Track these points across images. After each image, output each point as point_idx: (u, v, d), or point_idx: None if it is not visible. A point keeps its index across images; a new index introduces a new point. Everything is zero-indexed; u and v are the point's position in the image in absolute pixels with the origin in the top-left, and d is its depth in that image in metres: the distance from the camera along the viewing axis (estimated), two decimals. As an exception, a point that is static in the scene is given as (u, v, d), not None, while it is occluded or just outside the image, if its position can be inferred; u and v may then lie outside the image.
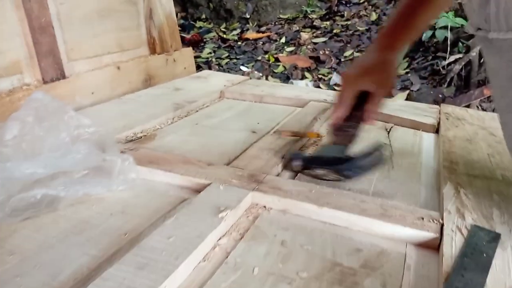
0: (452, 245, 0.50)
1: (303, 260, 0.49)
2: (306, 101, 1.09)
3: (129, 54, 1.19)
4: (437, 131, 0.97)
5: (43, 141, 0.55)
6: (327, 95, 1.17)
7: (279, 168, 0.72)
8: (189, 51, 1.44)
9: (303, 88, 1.81)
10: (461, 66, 2.40)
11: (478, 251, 0.49)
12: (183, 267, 0.44)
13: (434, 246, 0.53)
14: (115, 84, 1.11)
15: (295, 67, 3.19)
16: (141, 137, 0.83)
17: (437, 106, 1.12)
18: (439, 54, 2.69)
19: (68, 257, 0.46)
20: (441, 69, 2.54)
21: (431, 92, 2.51)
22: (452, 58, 2.47)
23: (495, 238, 0.52)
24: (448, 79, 2.43)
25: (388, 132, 0.94)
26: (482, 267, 0.46)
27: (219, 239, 0.52)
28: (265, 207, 0.60)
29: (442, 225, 0.54)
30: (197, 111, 1.03)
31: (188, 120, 0.95)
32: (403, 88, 2.71)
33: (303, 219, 0.57)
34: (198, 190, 0.63)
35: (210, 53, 3.47)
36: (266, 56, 3.39)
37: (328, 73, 3.17)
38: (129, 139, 0.81)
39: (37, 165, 0.50)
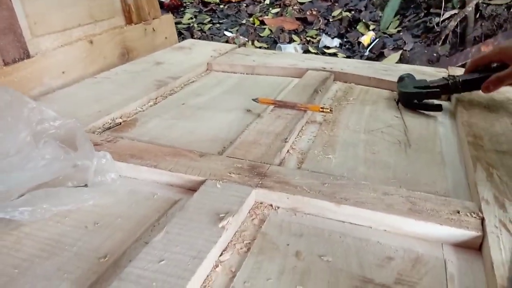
0: (500, 246, 0.41)
1: (325, 278, 0.40)
2: (303, 71, 0.99)
3: (102, 26, 1.05)
4: (448, 98, 0.88)
5: (-3, 143, 0.44)
6: (325, 62, 1.07)
7: (282, 154, 0.62)
8: (169, 19, 1.30)
9: (297, 55, 1.70)
10: (456, 23, 2.29)
11: None
12: (180, 301, 0.35)
13: (475, 246, 0.45)
14: (88, 61, 0.98)
15: (282, 30, 3.04)
16: (120, 123, 0.72)
17: (444, 70, 1.03)
18: (432, 10, 2.56)
19: (33, 296, 0.37)
20: (435, 26, 2.43)
21: (425, 51, 2.41)
22: (446, 14, 2.35)
23: None
24: (442, 37, 2.32)
25: (398, 103, 0.84)
26: None
27: (220, 255, 0.43)
28: (271, 206, 0.51)
29: (483, 220, 0.46)
30: (182, 87, 0.91)
31: (173, 100, 0.84)
32: (396, 48, 2.60)
33: (317, 220, 0.49)
34: (191, 189, 0.53)
35: (191, 18, 3.28)
36: (251, 19, 3.23)
37: (317, 35, 3.03)
38: (107, 127, 0.70)
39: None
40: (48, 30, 0.91)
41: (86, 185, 0.51)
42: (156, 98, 0.84)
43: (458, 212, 0.47)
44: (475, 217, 0.46)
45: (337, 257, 0.43)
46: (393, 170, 0.59)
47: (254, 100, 0.78)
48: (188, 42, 1.25)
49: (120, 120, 0.73)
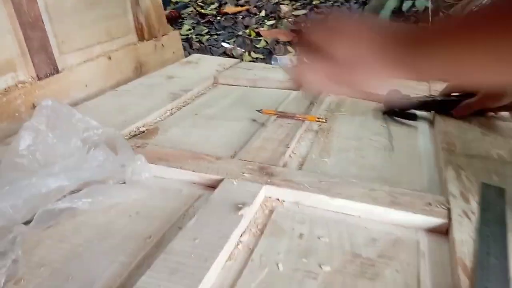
0: (461, 230, 0.53)
1: (324, 253, 0.51)
2: (300, 84, 1.10)
3: (118, 43, 1.16)
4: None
5: (55, 149, 0.54)
6: (320, 76, 1.18)
7: (285, 158, 0.73)
8: (176, 35, 1.41)
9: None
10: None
11: (492, 204, 0.56)
12: (213, 268, 0.46)
13: (443, 231, 0.56)
14: (107, 74, 1.09)
15: (277, 41, 3.16)
16: (144, 131, 0.83)
17: (425, 83, 1.14)
18: (420, 24, 2.70)
19: (97, 267, 0.47)
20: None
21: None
22: (433, 28, 2.49)
23: (501, 192, 0.60)
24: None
25: (384, 113, 0.96)
26: (501, 219, 0.54)
27: (241, 236, 0.53)
28: (278, 199, 0.62)
29: (449, 210, 0.57)
30: (193, 99, 1.02)
31: (187, 111, 0.95)
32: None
33: (316, 210, 0.59)
34: (211, 186, 0.64)
35: (190, 29, 3.40)
36: (247, 31, 3.35)
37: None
38: (133, 134, 0.81)
39: (61, 179, 0.50)
40: (73, 47, 1.02)
41: (124, 183, 0.61)
42: (171, 109, 0.95)
43: (430, 204, 0.58)
44: (443, 208, 0.57)
45: (333, 238, 0.54)
46: (378, 171, 0.71)
47: (258, 111, 0.90)
48: (194, 57, 1.36)
49: (144, 129, 0.83)
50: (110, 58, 1.10)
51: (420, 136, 0.85)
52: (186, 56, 1.39)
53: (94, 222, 0.55)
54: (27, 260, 0.48)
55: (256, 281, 0.46)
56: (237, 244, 0.52)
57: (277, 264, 0.49)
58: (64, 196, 0.52)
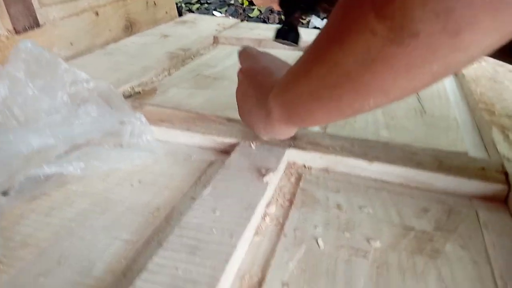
0: (525, 197, 0.45)
1: (369, 226, 0.42)
2: (306, 43, 1.00)
3: (106, -2, 1.04)
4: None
5: (38, 103, 0.44)
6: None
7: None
8: (169, -7, 1.29)
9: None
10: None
11: None
12: (241, 245, 0.37)
13: (500, 199, 0.48)
14: (94, 32, 0.97)
15: (271, 11, 3.02)
16: (140, 91, 0.72)
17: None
18: None
19: (96, 245, 0.38)
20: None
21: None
22: None
23: None
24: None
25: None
26: None
27: (267, 206, 0.44)
28: (304, 166, 0.53)
29: (507, 174, 0.49)
30: (192, 59, 0.91)
31: (186, 71, 0.84)
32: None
33: (351, 178, 0.51)
34: (224, 151, 0.55)
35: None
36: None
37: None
38: (127, 95, 0.71)
39: (46, 135, 0.40)
40: (54, 0, 0.89)
41: (121, 146, 0.51)
42: (169, 69, 0.84)
43: (483, 169, 0.50)
44: (499, 173, 0.49)
45: (376, 208, 0.45)
46: (413, 134, 0.62)
47: None
48: (190, 16, 1.25)
49: (139, 89, 0.73)
50: (97, 14, 0.98)
51: (451, 98, 0.76)
52: (180, 18, 1.27)
53: (89, 192, 0.45)
54: (6, 239, 0.38)
55: (293, 260, 0.37)
56: (264, 216, 0.43)
57: (316, 240, 0.40)
58: (51, 160, 0.42)
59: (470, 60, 0.27)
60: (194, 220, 0.39)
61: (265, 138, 0.53)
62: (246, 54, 0.54)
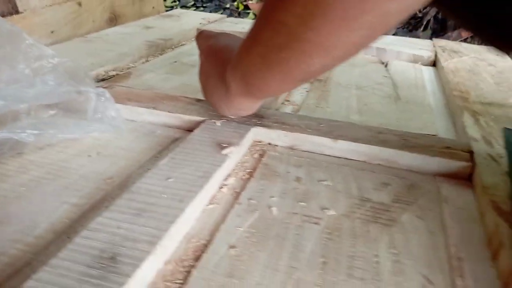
0: (490, 173, 0.44)
1: (326, 197, 0.41)
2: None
3: (90, -11, 1.04)
4: (434, 64, 0.91)
5: (-4, 71, 0.44)
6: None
7: (277, 103, 0.64)
8: (157, -11, 1.29)
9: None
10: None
11: None
12: (190, 210, 0.36)
13: (464, 176, 0.47)
14: (77, 22, 0.97)
15: (266, 15, 3.04)
16: (114, 75, 0.72)
17: (429, 40, 1.06)
18: None
19: (42, 208, 0.37)
20: (417, 12, 2.47)
21: (407, 37, 2.45)
22: (428, 0, 2.40)
23: None
24: (424, 22, 2.37)
25: (385, 66, 0.87)
26: None
27: (225, 179, 0.44)
28: (270, 144, 0.52)
29: (472, 153, 0.48)
30: (173, 49, 0.91)
31: (165, 58, 0.84)
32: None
33: (315, 155, 0.50)
34: (190, 129, 0.54)
35: (175, 1, 3.25)
36: (235, 3, 3.21)
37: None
38: (101, 78, 0.70)
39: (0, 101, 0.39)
40: (37, -12, 0.89)
41: (86, 120, 0.51)
42: (147, 57, 0.84)
43: (449, 148, 0.49)
44: (464, 151, 0.49)
45: (336, 182, 0.44)
46: (384, 117, 0.61)
47: None
48: (177, 11, 1.25)
49: (114, 73, 0.72)
50: (80, 4, 0.98)
51: (428, 86, 0.76)
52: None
53: (46, 162, 0.44)
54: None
55: (244, 225, 0.37)
56: (221, 187, 0.42)
57: (270, 208, 0.39)
58: (3, 126, 0.41)
59: (405, 10, 0.27)
60: (145, 186, 0.38)
61: (230, 115, 0.52)
62: (205, 36, 0.54)
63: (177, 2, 3.22)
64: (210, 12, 3.11)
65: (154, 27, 1.03)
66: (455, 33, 2.12)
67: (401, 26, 2.53)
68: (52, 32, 0.91)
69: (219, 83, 0.46)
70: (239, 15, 3.06)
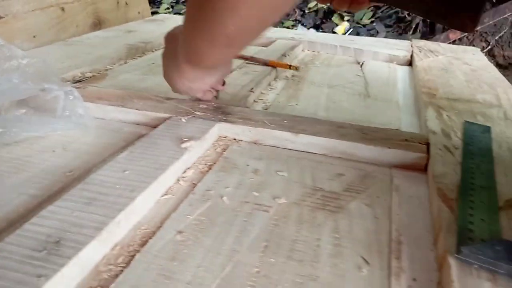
0: (442, 163, 0.45)
1: (280, 187, 0.43)
2: (272, 40, 1.02)
3: (74, -5, 1.06)
4: (410, 64, 0.93)
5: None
6: (295, 33, 1.10)
7: (249, 102, 0.65)
8: (143, -5, 1.31)
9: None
10: (425, 12, 2.37)
11: (476, 140, 0.51)
12: (141, 200, 0.37)
13: (420, 167, 0.48)
14: (60, 27, 0.99)
15: (258, 20, 3.06)
16: (91, 77, 0.73)
17: (408, 41, 1.07)
18: (403, 0, 2.64)
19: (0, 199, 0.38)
20: (406, 16, 2.50)
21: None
22: (417, 3, 2.43)
23: (487, 129, 0.54)
24: (413, 26, 2.40)
25: (361, 66, 0.88)
26: (487, 153, 0.48)
27: (184, 171, 0.45)
28: (235, 139, 0.54)
29: (428, 144, 0.49)
30: (153, 51, 0.93)
31: (143, 60, 0.86)
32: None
33: (277, 149, 0.51)
34: (157, 126, 0.55)
35: (168, 8, 3.28)
36: (228, 9, 3.24)
37: (293, 25, 3.08)
38: (77, 79, 0.72)
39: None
40: (19, -7, 0.91)
41: (54, 118, 0.52)
42: (126, 59, 0.85)
43: (407, 140, 0.51)
44: (421, 143, 0.50)
45: (293, 173, 0.46)
46: (350, 114, 0.63)
47: None
48: (162, 16, 1.27)
49: (90, 74, 0.74)
50: (63, 9, 1.00)
51: (399, 85, 0.78)
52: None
53: (10, 156, 0.46)
54: None
55: (194, 214, 0.38)
56: (179, 180, 0.44)
57: (222, 197, 0.40)
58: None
59: None
60: (100, 177, 0.40)
61: (183, 92, 0.55)
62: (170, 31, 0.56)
63: (171, 10, 3.25)
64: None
65: (136, 31, 1.05)
66: (443, 35, 2.15)
67: (392, 30, 2.55)
68: (34, 36, 0.93)
69: (173, 61, 0.51)
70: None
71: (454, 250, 0.31)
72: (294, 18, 3.13)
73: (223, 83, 0.62)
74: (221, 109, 0.58)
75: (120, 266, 0.31)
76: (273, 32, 1.09)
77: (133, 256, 0.32)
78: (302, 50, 1.01)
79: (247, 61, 0.81)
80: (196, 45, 0.43)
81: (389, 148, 0.49)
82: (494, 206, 0.38)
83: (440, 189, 0.40)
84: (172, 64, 0.52)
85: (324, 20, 3.04)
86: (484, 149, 0.49)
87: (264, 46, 1.00)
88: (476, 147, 0.49)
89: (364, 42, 1.04)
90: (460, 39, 2.12)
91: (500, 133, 0.54)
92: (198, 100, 0.60)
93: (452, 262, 0.31)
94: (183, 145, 0.46)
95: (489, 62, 0.92)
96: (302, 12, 3.17)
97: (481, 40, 2.11)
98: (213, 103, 0.59)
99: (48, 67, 0.54)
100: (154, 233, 0.35)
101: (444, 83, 0.73)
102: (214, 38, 0.39)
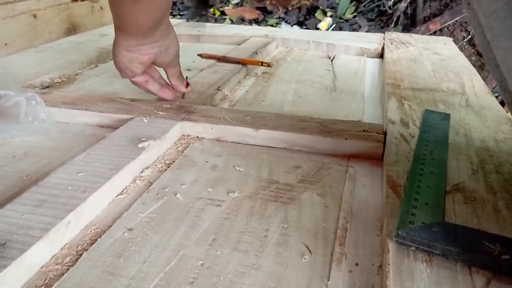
0: (396, 151, 0.46)
1: (236, 182, 0.43)
2: (246, 38, 1.02)
3: (46, 2, 1.05)
4: (381, 56, 0.94)
5: None
6: (269, 30, 1.11)
7: (215, 100, 0.66)
8: (118, -2, 1.31)
9: (243, 26, 1.73)
10: (406, 4, 2.38)
11: (434, 127, 0.52)
12: (94, 200, 0.38)
13: (377, 157, 0.49)
14: (32, 34, 0.99)
15: (242, 20, 3.07)
16: (59, 82, 0.74)
17: (381, 34, 1.08)
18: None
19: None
20: (387, 9, 2.52)
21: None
22: (397, -4, 2.44)
23: (446, 117, 0.55)
24: (394, 19, 2.41)
25: (332, 60, 0.89)
26: (442, 140, 0.49)
27: (142, 171, 0.46)
28: (197, 137, 0.54)
29: (385, 134, 0.50)
30: (126, 55, 0.93)
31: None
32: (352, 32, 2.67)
33: (239, 145, 0.52)
34: (119, 127, 0.56)
35: (152, 11, 3.27)
36: (211, 9, 3.24)
37: (277, 23, 3.08)
38: (45, 85, 0.72)
39: None
40: (-12, 2, 0.91)
41: (17, 124, 0.53)
42: (97, 63, 0.86)
43: (365, 131, 0.52)
44: (378, 133, 0.51)
45: (250, 167, 0.46)
46: (315, 107, 0.64)
47: (199, 55, 0.84)
48: (137, 19, 1.27)
49: (59, 80, 0.74)
50: (35, 16, 1.00)
51: (367, 78, 0.79)
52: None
53: (-33, 164, 0.46)
54: None
55: (146, 212, 0.38)
56: (135, 179, 0.44)
57: (176, 195, 0.41)
58: None
59: None
60: (54, 180, 0.40)
61: (125, 69, 0.57)
62: None
63: (154, 12, 3.24)
64: (187, 19, 3.14)
65: (109, 34, 1.05)
66: (424, 27, 2.16)
67: (374, 24, 2.57)
68: (6, 44, 0.93)
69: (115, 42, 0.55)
70: (216, 21, 3.09)
71: (394, 234, 0.32)
72: (277, 16, 3.13)
73: (187, 85, 0.62)
74: (184, 108, 0.58)
75: (67, 265, 0.32)
76: (247, 30, 1.10)
77: (81, 255, 0.33)
78: (276, 47, 1.02)
79: (219, 61, 0.82)
80: (112, 7, 0.49)
81: (346, 139, 0.49)
82: (440, 191, 0.39)
83: (390, 176, 0.41)
84: (114, 45, 0.55)
85: (307, 17, 3.05)
86: (440, 136, 0.50)
87: (237, 44, 1.01)
88: (432, 134, 0.50)
89: (337, 36, 1.05)
90: (441, 30, 2.14)
91: (459, 120, 0.55)
92: (163, 100, 0.61)
93: (391, 245, 0.32)
94: (140, 145, 0.46)
95: (459, 51, 0.93)
96: (285, 9, 3.18)
97: (461, 30, 2.13)
98: (177, 102, 0.60)
99: (8, 74, 0.55)
100: (104, 232, 0.36)
101: (411, 73, 0.74)
102: (130, 5, 0.45)
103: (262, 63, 0.82)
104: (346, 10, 2.90)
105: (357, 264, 0.32)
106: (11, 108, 0.52)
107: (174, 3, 3.44)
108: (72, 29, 1.12)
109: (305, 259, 0.32)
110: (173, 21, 1.23)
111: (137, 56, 0.55)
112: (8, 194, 0.41)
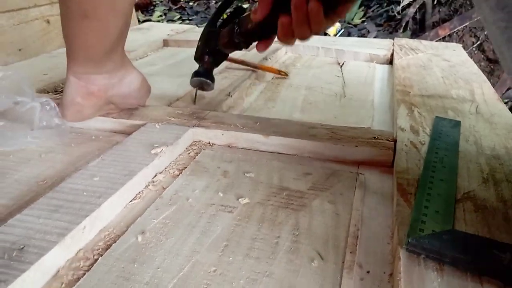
0: (406, 159, 0.46)
1: (246, 188, 0.44)
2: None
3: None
4: (391, 62, 0.94)
5: None
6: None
7: (226, 106, 0.66)
8: (129, 4, 1.33)
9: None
10: (415, 9, 2.38)
11: (444, 134, 0.51)
12: (108, 206, 0.39)
13: (388, 164, 0.49)
14: (45, 39, 1.01)
15: (251, 24, 3.08)
16: (72, 88, 0.75)
17: (390, 40, 1.09)
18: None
19: (-28, 210, 0.40)
20: (396, 15, 2.51)
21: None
22: (406, 1, 2.44)
23: (456, 124, 0.55)
24: (403, 24, 2.41)
25: (341, 66, 0.90)
26: (452, 147, 0.49)
27: (155, 176, 0.46)
28: (209, 143, 0.55)
29: (395, 141, 0.51)
30: (136, 60, 0.94)
31: (127, 70, 0.87)
32: (360, 37, 2.67)
33: (249, 152, 0.53)
34: (132, 133, 0.57)
35: (161, 15, 3.31)
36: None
37: (285, 28, 3.09)
38: (59, 90, 0.73)
39: None
40: (3, 8, 0.93)
41: (32, 130, 0.54)
42: (110, 68, 0.87)
43: (375, 138, 0.52)
44: (389, 140, 0.51)
45: (260, 174, 0.47)
46: (325, 114, 0.64)
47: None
48: (147, 24, 1.28)
49: (72, 85, 0.75)
50: (48, 22, 1.02)
51: (376, 84, 0.79)
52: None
53: (-16, 169, 0.47)
54: None
55: (159, 217, 0.39)
56: (148, 185, 0.45)
57: (188, 200, 0.42)
58: None
59: None
60: (69, 185, 0.41)
61: (70, 102, 0.53)
62: None
63: (164, 17, 3.27)
64: (196, 24, 3.16)
65: (121, 40, 1.06)
66: (433, 32, 2.16)
67: (382, 29, 2.56)
68: (19, 50, 0.94)
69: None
70: (225, 26, 3.11)
71: (404, 241, 0.32)
72: (286, 21, 3.14)
73: None
74: (196, 114, 0.59)
75: (83, 270, 0.33)
76: (257, 36, 1.11)
77: (96, 260, 0.34)
78: (285, 52, 1.02)
79: (231, 64, 0.83)
80: (63, 30, 0.49)
81: (356, 146, 0.50)
82: (451, 199, 0.39)
83: (400, 184, 0.41)
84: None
85: (316, 22, 3.05)
86: (451, 143, 0.50)
87: (247, 50, 1.02)
88: (443, 141, 0.50)
89: (346, 42, 1.05)
90: (450, 35, 2.13)
91: (469, 127, 0.55)
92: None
93: (402, 253, 0.32)
94: (153, 151, 0.47)
95: (468, 58, 0.93)
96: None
97: (470, 36, 2.12)
98: (188, 108, 0.61)
99: (22, 80, 0.56)
100: (118, 237, 0.37)
101: (420, 80, 0.74)
102: (68, 10, 0.46)
103: (279, 72, 0.82)
104: (355, 15, 2.90)
105: (368, 272, 0.33)
106: (26, 114, 0.53)
107: (183, 8, 3.47)
108: (84, 35, 1.13)
109: (316, 266, 0.33)
110: (183, 26, 1.24)
111: (85, 85, 0.52)
112: (24, 199, 0.42)
